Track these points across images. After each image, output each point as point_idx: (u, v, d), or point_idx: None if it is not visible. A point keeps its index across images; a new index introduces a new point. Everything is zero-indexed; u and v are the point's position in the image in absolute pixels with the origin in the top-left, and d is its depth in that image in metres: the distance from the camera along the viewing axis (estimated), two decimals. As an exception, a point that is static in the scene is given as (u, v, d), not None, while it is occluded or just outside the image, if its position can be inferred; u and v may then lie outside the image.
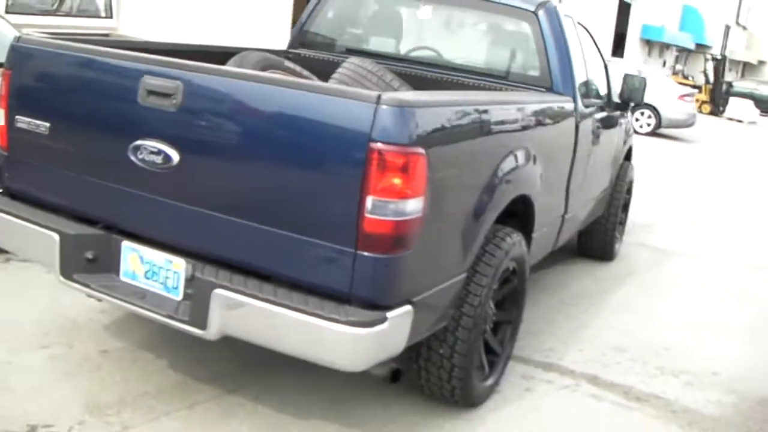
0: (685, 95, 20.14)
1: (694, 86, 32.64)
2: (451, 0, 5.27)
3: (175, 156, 3.18)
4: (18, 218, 3.55)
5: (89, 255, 3.42)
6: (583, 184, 5.45)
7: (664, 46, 39.69)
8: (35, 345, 4.13)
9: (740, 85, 38.98)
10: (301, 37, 5.55)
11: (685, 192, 12.49)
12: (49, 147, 3.56)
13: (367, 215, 2.84)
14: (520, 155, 3.91)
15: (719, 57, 33.62)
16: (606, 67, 6.30)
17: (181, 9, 14.52)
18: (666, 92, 19.59)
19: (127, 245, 3.40)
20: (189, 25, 13.91)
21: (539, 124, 4.30)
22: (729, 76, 46.95)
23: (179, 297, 3.29)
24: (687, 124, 20.19)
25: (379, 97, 2.80)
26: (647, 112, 19.69)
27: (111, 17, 10.94)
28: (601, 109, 5.85)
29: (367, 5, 5.64)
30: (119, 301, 3.35)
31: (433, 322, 3.42)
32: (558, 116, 4.71)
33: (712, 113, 31.73)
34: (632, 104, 6.54)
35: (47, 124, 3.52)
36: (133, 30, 11.65)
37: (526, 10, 4.97)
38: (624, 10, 34.07)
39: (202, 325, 3.12)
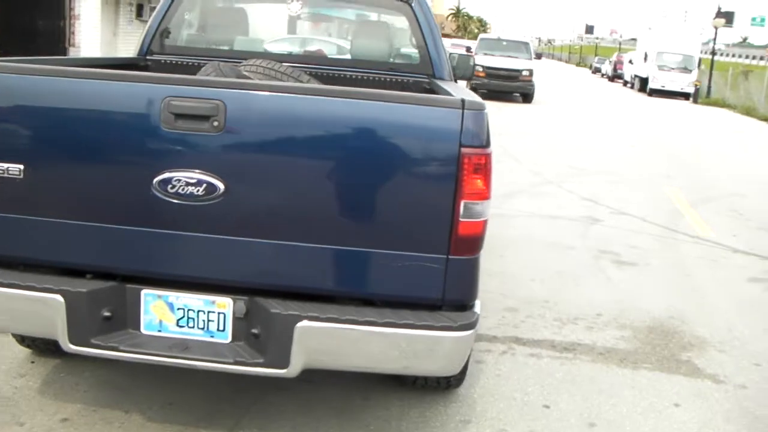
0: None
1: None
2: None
3: (220, 185, 2.91)
4: (7, 287, 3.02)
5: (106, 313, 3.04)
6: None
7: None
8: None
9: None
10: (156, 42, 5.13)
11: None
12: (31, 195, 3.04)
13: (462, 219, 2.87)
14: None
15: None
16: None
17: None
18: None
19: (148, 293, 3.06)
20: None
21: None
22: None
23: (228, 339, 3.05)
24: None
25: (463, 102, 2.82)
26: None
27: None
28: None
29: (229, 4, 5.35)
30: (161, 358, 3.01)
31: None
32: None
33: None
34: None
35: (19, 167, 2.98)
36: None
37: (401, 1, 5.07)
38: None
39: (283, 364, 2.93)
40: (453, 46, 46.02)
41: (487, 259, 6.69)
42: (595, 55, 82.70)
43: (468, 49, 39.54)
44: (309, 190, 2.94)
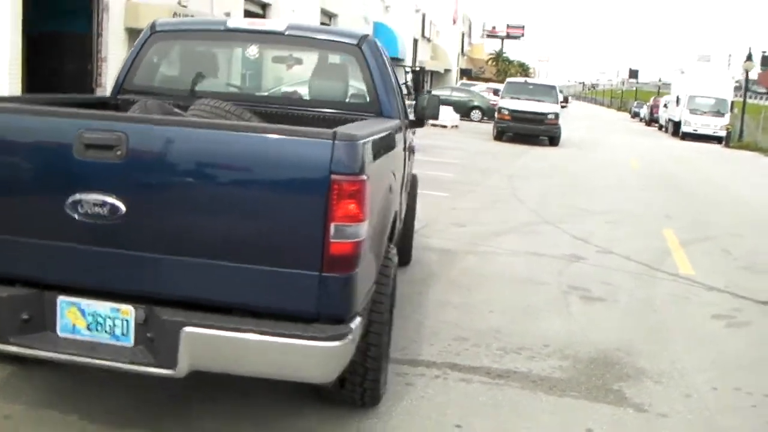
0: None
1: (400, 98, 34.88)
2: (277, 39, 5.54)
3: (122, 206, 3.25)
4: None
5: (25, 315, 3.38)
6: (403, 196, 6.01)
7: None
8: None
9: (437, 93, 42.16)
10: (127, 83, 5.53)
11: (437, 196, 13.42)
12: None
13: (332, 240, 3.15)
14: (399, 177, 4.37)
15: (417, 69, 36.18)
16: (401, 87, 6.90)
17: None
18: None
19: (63, 300, 3.40)
20: None
21: (395, 146, 4.77)
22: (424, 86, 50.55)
23: (131, 343, 3.37)
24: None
25: (335, 133, 3.12)
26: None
27: None
28: (407, 127, 6.44)
29: (194, 49, 5.74)
30: (69, 357, 3.35)
31: (363, 330, 3.78)
32: (397, 138, 5.21)
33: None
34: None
35: None
36: None
37: (350, 44, 5.41)
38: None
39: (171, 365, 3.24)
40: (487, 90, 46.43)
41: (454, 292, 7.05)
42: (635, 99, 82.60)
43: (496, 92, 39.95)
44: (198, 211, 3.28)
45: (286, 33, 5.42)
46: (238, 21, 6.00)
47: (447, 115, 34.48)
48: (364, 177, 3.23)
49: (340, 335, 3.22)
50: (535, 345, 5.79)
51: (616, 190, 16.08)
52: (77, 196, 3.27)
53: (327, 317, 3.26)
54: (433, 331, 5.97)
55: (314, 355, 3.19)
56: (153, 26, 5.51)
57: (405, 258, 7.72)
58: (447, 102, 38.20)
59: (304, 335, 3.16)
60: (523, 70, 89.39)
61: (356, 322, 3.38)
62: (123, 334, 3.38)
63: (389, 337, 4.71)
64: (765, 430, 4.77)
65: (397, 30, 46.50)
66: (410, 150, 6.71)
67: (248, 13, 28.27)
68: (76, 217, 3.29)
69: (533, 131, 26.66)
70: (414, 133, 7.51)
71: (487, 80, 62.97)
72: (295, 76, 5.88)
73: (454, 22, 65.88)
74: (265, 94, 5.66)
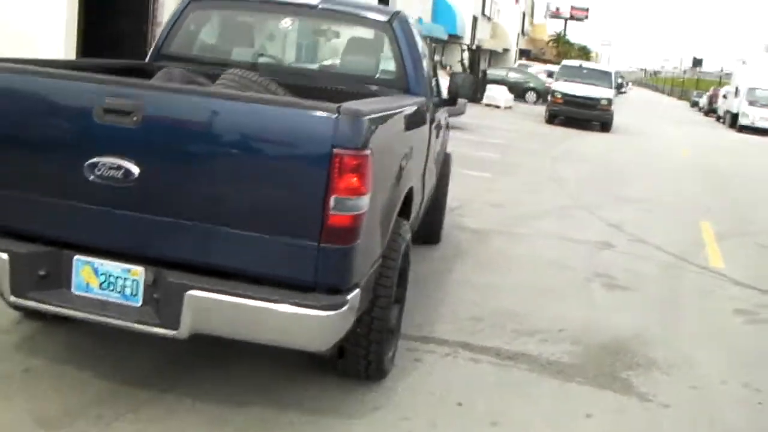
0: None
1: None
2: (310, 12, 5.66)
3: (135, 170, 3.40)
4: None
5: (42, 272, 3.55)
6: (428, 174, 6.07)
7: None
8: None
9: (493, 73, 41.92)
10: (163, 50, 5.70)
11: (478, 176, 13.45)
12: None
13: (332, 212, 3.25)
14: (411, 153, 4.45)
15: (473, 47, 36.05)
16: (435, 66, 6.96)
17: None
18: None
19: (79, 259, 3.57)
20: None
21: (418, 123, 4.85)
22: (481, 65, 50.30)
23: (139, 303, 3.53)
24: (458, 112, 21.61)
25: (339, 108, 3.22)
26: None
27: None
28: (437, 105, 6.49)
29: (230, 18, 5.90)
30: (81, 313, 3.53)
31: (365, 302, 3.88)
32: (421, 115, 5.29)
33: (471, 100, 33.85)
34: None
35: None
36: None
37: (381, 21, 5.50)
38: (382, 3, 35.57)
39: (174, 326, 3.39)
40: (544, 72, 45.92)
41: (478, 272, 7.12)
42: (696, 89, 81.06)
43: (550, 74, 39.51)
44: (206, 178, 3.44)
45: (320, 6, 5.53)
46: (275, -7, 6.11)
47: (501, 95, 34.26)
48: (368, 152, 3.32)
49: (335, 305, 3.33)
50: (550, 329, 5.84)
51: (661, 179, 15.92)
52: (95, 159, 3.43)
53: (324, 287, 3.37)
54: (451, 309, 6.05)
55: (309, 323, 3.30)
56: (191, -6, 5.66)
57: (434, 237, 7.81)
58: (502, 82, 38.04)
59: (300, 303, 3.28)
60: (584, 53, 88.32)
61: (354, 294, 3.48)
62: (132, 294, 3.53)
63: (400, 313, 4.81)
64: (765, 428, 4.77)
65: (457, 6, 46.23)
66: (440, 127, 6.77)
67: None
68: (94, 179, 3.44)
69: (585, 116, 26.41)
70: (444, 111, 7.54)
71: (546, 62, 62.22)
72: (326, 50, 5.97)
73: (516, 1, 65.25)
74: (295, 66, 5.76)
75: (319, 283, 3.36)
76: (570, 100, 26.42)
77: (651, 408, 4.71)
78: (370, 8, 5.77)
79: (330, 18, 5.71)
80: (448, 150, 8.09)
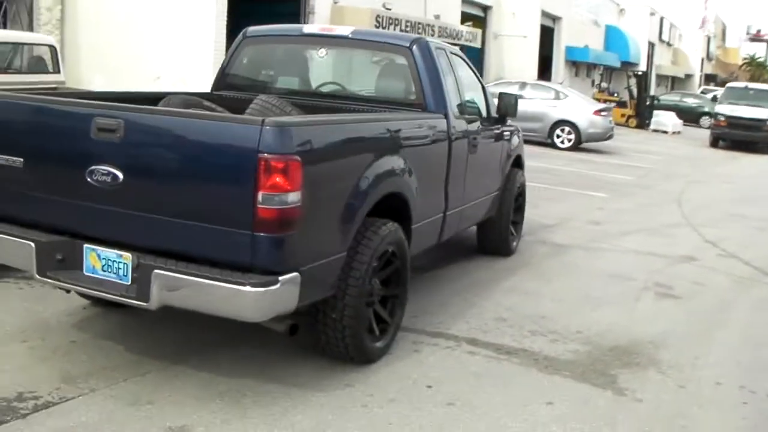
0: (600, 111, 21.50)
1: (619, 102, 34.39)
2: (343, 42, 6.40)
3: (120, 175, 4.27)
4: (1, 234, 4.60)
5: (59, 256, 4.47)
6: (463, 186, 6.57)
7: (591, 66, 41.50)
8: (16, 339, 5.13)
9: (666, 98, 41.03)
10: (222, 80, 6.68)
11: (595, 196, 13.61)
12: (20, 176, 4.60)
13: (260, 206, 3.94)
14: (388, 161, 5.03)
15: (640, 73, 35.47)
16: (484, 88, 7.46)
17: (120, 64, 15.99)
18: (582, 109, 21.03)
19: (87, 247, 4.46)
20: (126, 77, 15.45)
21: (409, 137, 5.41)
22: (659, 90, 49.15)
23: (128, 282, 4.36)
24: (605, 137, 21.56)
25: (263, 120, 3.93)
26: (567, 128, 21.01)
27: (59, 72, 12.04)
28: (480, 123, 6.98)
29: (275, 51, 6.82)
30: (82, 288, 4.45)
31: (321, 288, 4.52)
32: (429, 130, 5.83)
33: (638, 126, 33.34)
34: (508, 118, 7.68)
35: (20, 159, 4.58)
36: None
37: (402, 46, 6.13)
38: (547, 34, 35.77)
39: (146, 299, 4.19)
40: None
41: (532, 281, 7.55)
42: None
43: (714, 98, 38.06)
44: (167, 179, 4.26)
45: (350, 36, 6.27)
46: (313, 27, 6.97)
47: (669, 120, 33.69)
48: (295, 156, 3.99)
49: (264, 283, 4.00)
50: (568, 331, 6.11)
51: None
52: (93, 167, 4.33)
53: (260, 268, 4.06)
54: (480, 311, 6.46)
55: (242, 298, 4.00)
56: (245, 33, 6.60)
57: (502, 250, 8.25)
58: (675, 108, 37.17)
59: (234, 281, 3.99)
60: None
61: (291, 276, 4.12)
62: (124, 275, 4.37)
63: (396, 307, 5.34)
64: (736, 426, 4.84)
65: (631, 33, 45.55)
66: (510, 144, 7.37)
67: (467, 16, 29.15)
68: (93, 182, 4.34)
69: (749, 138, 25.55)
70: (509, 129, 7.98)
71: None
72: (355, 75, 6.68)
73: (703, 24, 63.08)
74: (326, 90, 6.50)
75: (255, 265, 4.06)
76: (734, 122, 25.63)
77: (621, 401, 4.92)
78: (394, 36, 6.43)
79: (359, 46, 6.41)
80: (528, 164, 8.58)
